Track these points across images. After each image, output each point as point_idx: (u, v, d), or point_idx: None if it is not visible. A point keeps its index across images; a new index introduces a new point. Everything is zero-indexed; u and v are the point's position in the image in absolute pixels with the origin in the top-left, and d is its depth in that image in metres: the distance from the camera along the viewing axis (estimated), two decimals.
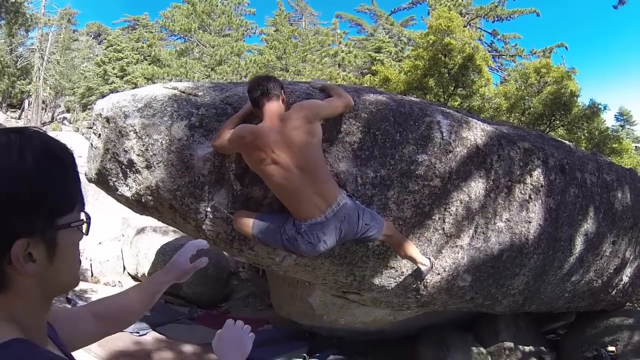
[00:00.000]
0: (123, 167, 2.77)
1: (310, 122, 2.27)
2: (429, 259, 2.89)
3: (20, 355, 0.57)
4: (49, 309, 0.73)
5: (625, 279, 4.44)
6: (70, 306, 4.28)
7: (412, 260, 2.83)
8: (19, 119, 26.66)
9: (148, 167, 2.59)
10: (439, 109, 3.11)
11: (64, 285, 0.73)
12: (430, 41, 11.42)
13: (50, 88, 25.88)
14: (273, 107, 2.30)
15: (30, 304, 0.66)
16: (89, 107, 24.45)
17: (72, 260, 0.71)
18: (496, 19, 20.79)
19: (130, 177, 2.76)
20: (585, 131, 11.29)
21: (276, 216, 2.44)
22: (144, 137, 2.57)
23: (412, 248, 2.78)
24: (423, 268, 2.86)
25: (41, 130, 0.69)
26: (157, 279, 1.20)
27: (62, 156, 0.68)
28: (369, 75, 15.07)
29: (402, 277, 3.07)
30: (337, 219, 2.28)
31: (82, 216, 0.72)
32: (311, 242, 2.28)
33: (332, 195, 2.29)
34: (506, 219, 3.27)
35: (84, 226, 0.72)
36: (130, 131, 2.62)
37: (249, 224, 2.42)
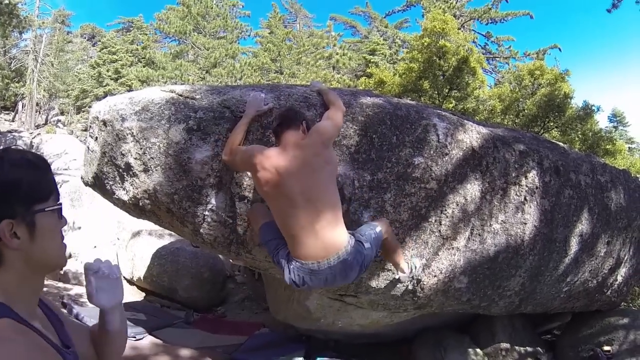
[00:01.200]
0: (120, 170, 2.77)
1: (326, 147, 2.23)
2: (410, 265, 2.84)
3: None
4: (38, 286, 0.92)
5: (619, 278, 4.48)
6: (65, 310, 4.25)
7: (395, 265, 2.77)
8: (13, 121, 26.50)
9: (145, 170, 2.59)
10: (435, 111, 3.13)
11: (47, 261, 0.90)
12: (425, 43, 11.48)
13: (44, 90, 25.75)
14: (290, 135, 2.23)
15: (17, 277, 0.83)
16: (83, 109, 24.40)
17: (51, 240, 0.89)
18: (490, 21, 20.97)
19: (127, 180, 2.75)
20: (579, 133, 11.38)
21: (279, 234, 2.29)
22: (141, 140, 2.57)
23: (400, 254, 2.72)
24: (402, 275, 2.81)
25: (21, 149, 0.95)
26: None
27: (36, 162, 0.89)
28: (363, 77, 15.11)
29: (399, 280, 3.08)
30: (330, 271, 2.12)
31: (55, 204, 0.90)
32: (293, 280, 2.19)
33: (335, 245, 2.11)
34: (502, 220, 3.28)
35: (58, 211, 0.91)
36: (127, 134, 2.62)
37: (257, 227, 2.41)
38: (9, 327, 0.75)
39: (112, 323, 1.09)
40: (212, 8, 20.59)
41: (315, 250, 2.10)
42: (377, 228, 2.37)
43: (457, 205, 3.00)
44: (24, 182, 0.84)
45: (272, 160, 2.15)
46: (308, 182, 2.11)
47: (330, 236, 2.11)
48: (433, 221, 2.96)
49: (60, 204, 0.92)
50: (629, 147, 21.72)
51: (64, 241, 0.95)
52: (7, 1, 12.06)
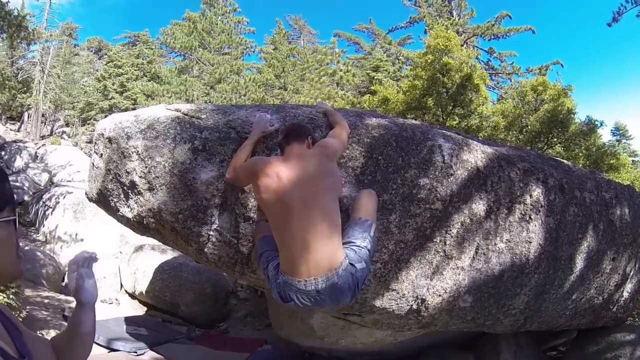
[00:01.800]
0: (125, 188, 2.78)
1: (330, 161, 2.22)
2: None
3: None
4: None
5: (625, 294, 4.44)
6: (66, 323, 4.23)
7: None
8: (18, 131, 26.74)
9: (150, 189, 2.60)
10: (441, 132, 3.14)
11: (1, 272, 0.89)
12: (428, 60, 11.56)
13: (50, 102, 26.01)
14: (295, 147, 2.23)
15: None
16: (88, 121, 24.59)
17: (5, 250, 0.87)
18: (492, 37, 21.19)
19: (132, 198, 2.76)
20: (583, 148, 11.36)
21: (274, 246, 2.22)
22: (146, 159, 2.58)
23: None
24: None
25: None
26: (75, 313, 1.15)
27: None
28: (367, 95, 15.20)
29: (404, 299, 3.05)
30: (317, 293, 1.99)
31: (10, 215, 0.89)
32: (280, 295, 2.09)
33: (325, 264, 1.97)
34: (507, 239, 3.27)
35: (13, 222, 0.89)
36: (132, 152, 2.63)
37: (257, 240, 2.39)
38: None
39: (87, 323, 1.07)
40: (217, 24, 20.86)
41: (304, 266, 1.98)
42: (371, 231, 2.21)
43: (462, 225, 2.99)
44: None
45: (275, 167, 2.13)
46: (308, 189, 2.06)
47: (323, 251, 1.98)
48: (438, 241, 2.95)
49: (15, 215, 0.91)
50: (633, 160, 21.69)
51: (20, 252, 0.93)
52: (15, 13, 12.27)
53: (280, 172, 2.11)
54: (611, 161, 11.23)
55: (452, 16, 21.07)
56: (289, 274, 2.02)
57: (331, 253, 1.99)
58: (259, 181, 2.14)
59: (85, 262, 1.10)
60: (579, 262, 3.74)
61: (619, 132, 27.08)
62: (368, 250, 2.12)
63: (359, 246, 2.09)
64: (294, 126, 2.39)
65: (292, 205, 2.04)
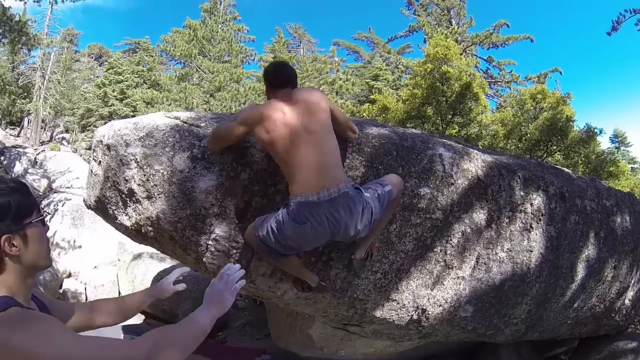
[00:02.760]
0: (123, 196, 2.75)
1: (324, 101, 2.33)
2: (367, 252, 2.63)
3: (4, 301, 1.00)
4: (31, 282, 1.15)
5: (627, 302, 4.43)
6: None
7: (368, 239, 2.52)
8: (18, 136, 26.72)
9: (149, 197, 2.57)
10: (441, 141, 3.13)
11: (38, 262, 1.14)
12: (428, 69, 11.60)
13: (50, 107, 26.01)
14: (286, 91, 2.32)
15: (16, 277, 1.08)
16: (88, 128, 24.55)
17: (40, 244, 1.14)
18: (491, 45, 21.33)
19: (130, 206, 2.73)
20: (582, 155, 11.37)
21: (274, 211, 2.27)
22: (145, 167, 2.56)
23: (375, 236, 2.57)
24: (356, 258, 2.60)
25: (3, 177, 1.20)
26: (141, 295, 1.62)
27: (18, 187, 1.12)
28: (367, 104, 15.23)
29: (404, 310, 3.02)
30: (332, 205, 2.06)
31: (39, 216, 1.15)
32: (297, 222, 2.06)
33: (334, 177, 2.10)
34: (507, 248, 3.25)
35: (42, 222, 1.16)
36: (131, 160, 2.61)
37: (252, 227, 2.31)
38: (18, 312, 1.00)
39: (143, 306, 1.62)
40: (217, 32, 20.99)
41: (314, 181, 2.07)
42: (386, 187, 2.30)
43: (463, 234, 2.98)
44: (13, 205, 1.07)
45: (278, 104, 2.23)
46: (310, 119, 2.19)
47: (331, 167, 2.13)
48: (438, 251, 2.93)
49: (42, 215, 1.17)
50: (632, 167, 21.70)
51: (49, 245, 1.21)
52: (17, 19, 12.33)
53: (283, 108, 2.21)
54: (610, 168, 11.24)
55: (451, 25, 21.23)
56: (303, 192, 2.08)
57: (337, 171, 2.15)
58: (267, 121, 2.19)
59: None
60: (581, 271, 3.73)
61: (618, 139, 27.09)
62: (379, 191, 2.24)
63: (370, 188, 2.27)
64: (288, 70, 2.43)
65: (299, 134, 2.15)
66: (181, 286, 1.63)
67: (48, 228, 1.20)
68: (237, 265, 1.43)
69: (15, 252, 1.07)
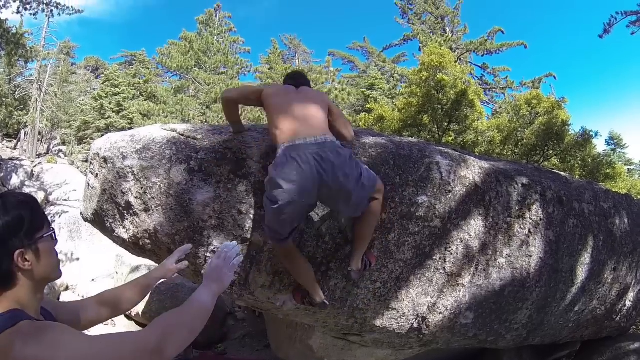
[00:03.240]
0: (120, 209, 2.75)
1: (324, 96, 2.61)
2: (364, 262, 2.57)
3: (14, 315, 1.01)
4: (41, 295, 1.17)
5: (628, 303, 4.43)
6: None
7: (355, 251, 2.51)
8: (15, 149, 26.66)
9: (146, 210, 2.57)
10: (438, 149, 3.14)
11: (47, 275, 1.16)
12: (423, 77, 11.63)
13: (47, 120, 26.02)
14: (292, 83, 2.62)
15: (27, 290, 1.09)
16: (84, 140, 24.53)
17: (50, 258, 1.16)
18: (486, 52, 21.48)
19: (127, 219, 2.73)
20: (579, 159, 11.40)
21: None
22: (142, 179, 2.56)
23: (366, 243, 2.51)
24: (353, 271, 2.53)
25: (14, 191, 1.32)
26: (149, 275, 1.63)
27: (28, 201, 1.14)
28: (363, 113, 15.26)
29: (404, 318, 3.01)
30: (319, 147, 2.09)
31: (49, 230, 1.16)
32: (283, 166, 2.06)
33: (321, 129, 2.21)
34: (507, 254, 3.25)
35: (52, 235, 1.17)
36: (128, 173, 2.61)
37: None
38: (29, 324, 1.01)
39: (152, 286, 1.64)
40: (213, 44, 21.08)
41: (301, 128, 2.17)
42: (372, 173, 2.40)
43: (462, 241, 2.97)
44: (26, 219, 1.09)
45: (283, 87, 2.57)
46: (306, 97, 2.44)
47: (317, 122, 2.25)
48: (437, 259, 2.93)
49: (53, 228, 1.19)
50: (628, 169, 21.78)
51: (58, 257, 1.22)
52: (14, 31, 12.39)
53: (287, 89, 2.53)
54: (607, 171, 11.26)
55: (446, 33, 21.40)
56: (291, 138, 2.15)
57: (324, 128, 2.27)
58: (272, 97, 2.44)
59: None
60: (580, 274, 3.73)
61: (614, 141, 27.26)
62: (366, 168, 2.34)
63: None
64: (302, 79, 2.71)
65: (293, 98, 2.41)
66: (184, 264, 1.64)
67: (57, 241, 1.21)
68: (234, 242, 1.47)
69: (27, 267, 1.08)
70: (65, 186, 16.61)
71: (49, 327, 1.06)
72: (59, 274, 1.21)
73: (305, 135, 2.13)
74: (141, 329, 1.35)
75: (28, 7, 12.76)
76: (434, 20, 22.15)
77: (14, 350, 0.93)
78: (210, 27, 21.84)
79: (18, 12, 12.71)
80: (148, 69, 28.57)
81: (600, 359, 4.56)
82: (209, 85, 19.71)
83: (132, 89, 25.33)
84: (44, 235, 1.14)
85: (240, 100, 2.66)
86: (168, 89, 21.88)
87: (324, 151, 2.09)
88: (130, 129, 3.78)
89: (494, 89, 23.19)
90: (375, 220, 2.47)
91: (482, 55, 21.95)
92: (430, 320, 3.07)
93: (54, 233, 1.19)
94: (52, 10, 14.76)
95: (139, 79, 26.85)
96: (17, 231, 1.07)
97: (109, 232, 3.03)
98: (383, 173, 2.71)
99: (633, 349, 4.48)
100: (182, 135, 2.67)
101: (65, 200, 14.66)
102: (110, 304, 1.50)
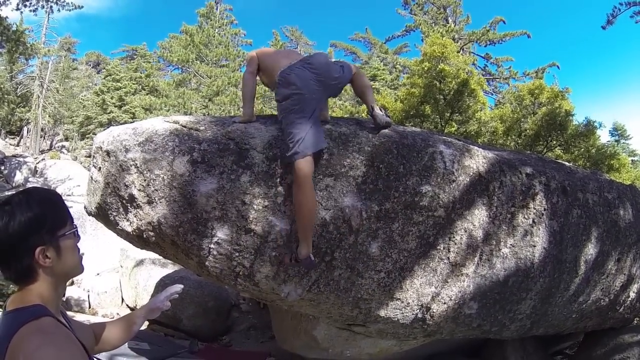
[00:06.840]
0: (124, 201, 2.75)
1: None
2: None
3: (37, 310, 1.03)
4: (62, 291, 1.22)
5: (632, 295, 4.42)
6: None
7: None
8: (18, 145, 26.78)
9: (149, 202, 2.57)
10: (441, 138, 3.12)
11: (70, 272, 1.18)
12: (425, 68, 11.53)
13: (49, 116, 26.11)
14: None
15: (49, 286, 1.10)
16: (87, 135, 24.56)
17: (72, 255, 1.15)
18: (488, 42, 21.24)
19: (131, 212, 2.73)
20: (582, 149, 11.31)
21: None
22: (145, 172, 2.55)
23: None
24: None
25: (39, 188, 1.22)
26: (133, 314, 1.61)
27: (52, 198, 1.15)
28: None
29: (408, 308, 3.01)
30: (303, 64, 2.65)
31: (72, 227, 1.16)
32: (285, 81, 2.59)
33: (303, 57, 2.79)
34: (511, 244, 3.24)
35: (74, 233, 1.17)
36: (131, 165, 2.60)
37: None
38: (50, 323, 1.02)
39: (139, 326, 1.58)
40: (214, 37, 20.98)
41: (289, 60, 2.69)
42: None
43: (466, 231, 2.96)
44: (48, 216, 1.10)
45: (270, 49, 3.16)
46: (287, 50, 3.04)
47: (302, 56, 2.81)
48: (441, 248, 2.92)
49: (76, 225, 1.19)
50: (632, 160, 21.65)
51: (80, 252, 1.21)
52: (14, 28, 12.36)
53: (275, 49, 3.08)
54: (611, 162, 11.16)
55: (448, 23, 21.17)
56: (284, 66, 2.65)
57: None
58: (265, 55, 3.00)
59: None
60: (584, 264, 3.72)
61: (618, 132, 27.04)
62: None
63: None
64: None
65: (280, 52, 3.18)
66: (166, 305, 1.63)
67: (79, 238, 1.20)
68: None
69: (48, 264, 1.08)
70: (69, 181, 16.69)
71: (69, 339, 1.05)
72: (81, 270, 1.22)
73: (292, 61, 2.68)
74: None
75: (28, 3, 12.69)
76: (436, 11, 21.90)
77: (30, 343, 0.94)
78: (211, 20, 21.72)
79: (18, 9, 12.64)
80: (149, 62, 28.50)
81: (603, 350, 4.55)
82: (210, 78, 19.64)
83: (133, 83, 25.30)
84: (66, 233, 1.14)
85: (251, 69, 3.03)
86: (170, 83, 21.82)
87: (308, 61, 2.67)
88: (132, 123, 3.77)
89: (497, 79, 22.99)
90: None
91: (485, 46, 21.73)
92: (434, 311, 3.07)
93: (77, 230, 1.19)
94: (51, 7, 14.70)
95: (141, 73, 26.82)
96: (38, 228, 1.07)
97: (112, 226, 3.04)
98: (386, 162, 2.70)
99: (636, 340, 4.47)
100: (185, 126, 2.66)
101: (69, 195, 14.72)
102: (106, 342, 1.49)
